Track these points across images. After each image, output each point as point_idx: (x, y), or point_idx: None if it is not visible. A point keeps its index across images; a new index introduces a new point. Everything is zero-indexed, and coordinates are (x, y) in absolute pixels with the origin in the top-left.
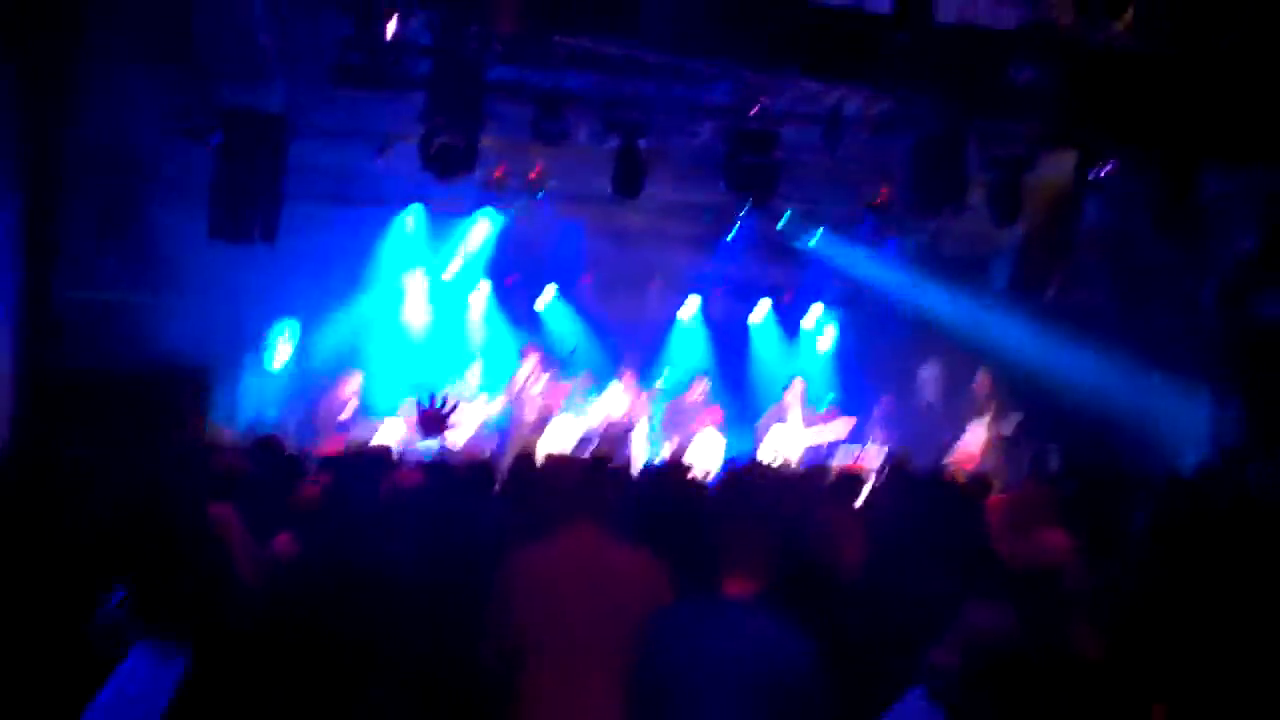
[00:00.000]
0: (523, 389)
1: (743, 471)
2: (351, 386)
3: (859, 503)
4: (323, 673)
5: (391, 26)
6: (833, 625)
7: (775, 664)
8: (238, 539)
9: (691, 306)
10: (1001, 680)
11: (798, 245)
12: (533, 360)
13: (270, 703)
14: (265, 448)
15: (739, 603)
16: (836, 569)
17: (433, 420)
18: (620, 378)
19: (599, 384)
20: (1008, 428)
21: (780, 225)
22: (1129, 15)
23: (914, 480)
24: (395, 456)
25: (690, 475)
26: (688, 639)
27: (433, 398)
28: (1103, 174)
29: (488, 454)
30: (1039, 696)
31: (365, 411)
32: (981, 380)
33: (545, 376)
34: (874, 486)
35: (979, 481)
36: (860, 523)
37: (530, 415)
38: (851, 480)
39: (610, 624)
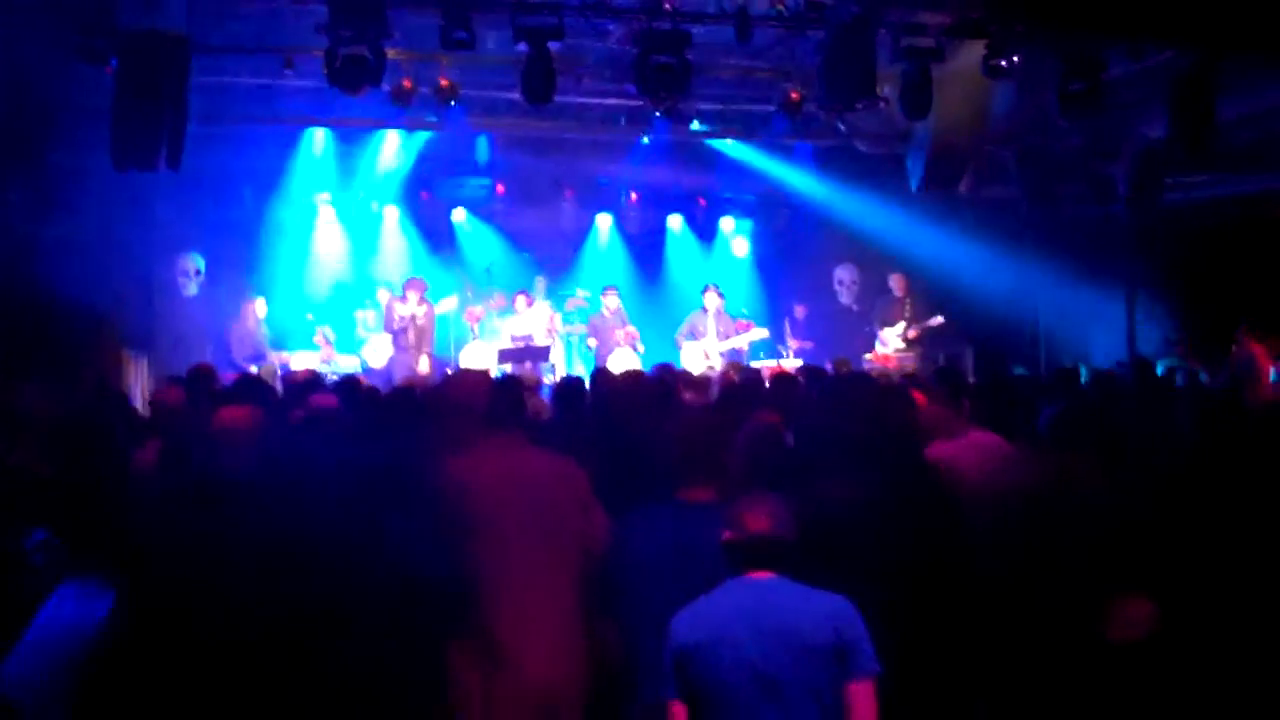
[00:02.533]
0: (409, 323)
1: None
2: (258, 313)
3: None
4: (250, 606)
5: None
6: None
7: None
8: None
9: (607, 218)
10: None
11: (711, 150)
12: (414, 296)
13: (197, 638)
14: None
15: (697, 507)
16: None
17: None
18: (533, 295)
19: (512, 303)
20: (922, 329)
21: (693, 129)
22: None
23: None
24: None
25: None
26: (650, 541)
27: None
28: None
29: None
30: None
31: (276, 337)
32: (896, 282)
33: (425, 308)
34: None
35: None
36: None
37: (419, 349)
38: (787, 381)
39: (545, 521)
